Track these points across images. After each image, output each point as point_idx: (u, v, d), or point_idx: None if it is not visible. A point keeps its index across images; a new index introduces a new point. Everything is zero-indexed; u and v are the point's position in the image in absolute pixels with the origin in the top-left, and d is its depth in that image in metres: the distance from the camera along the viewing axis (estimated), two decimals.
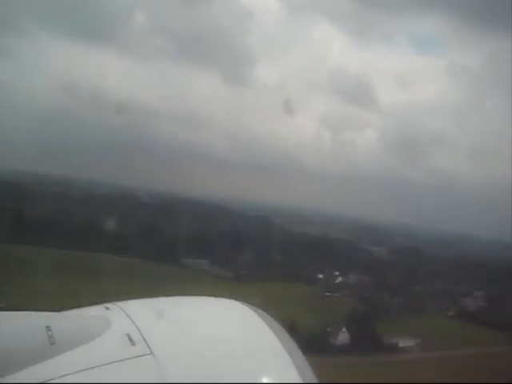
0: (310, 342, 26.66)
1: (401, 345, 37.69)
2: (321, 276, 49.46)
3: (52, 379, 1.59)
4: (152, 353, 1.75)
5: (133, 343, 1.80)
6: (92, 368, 1.67)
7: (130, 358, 1.72)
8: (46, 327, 1.80)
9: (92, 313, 2.20)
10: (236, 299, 2.38)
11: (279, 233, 59.96)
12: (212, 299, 2.50)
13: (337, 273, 50.13)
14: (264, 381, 1.84)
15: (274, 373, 1.86)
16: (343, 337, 37.89)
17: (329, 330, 38.13)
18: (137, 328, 1.90)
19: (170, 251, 45.16)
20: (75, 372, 1.64)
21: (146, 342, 1.80)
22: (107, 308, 2.19)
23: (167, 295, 2.61)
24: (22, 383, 1.59)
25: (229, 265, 47.55)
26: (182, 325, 2.12)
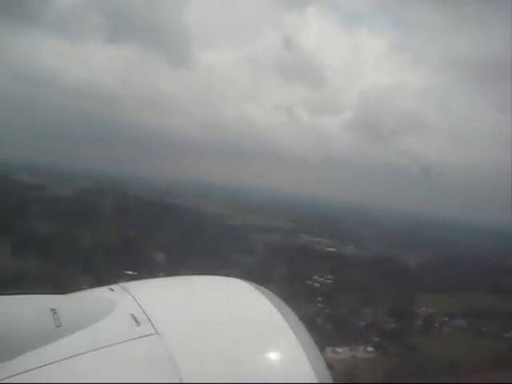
0: None
1: None
2: None
3: (58, 361, 1.60)
4: (157, 332, 1.76)
5: (138, 323, 1.80)
6: (98, 349, 1.67)
7: (136, 339, 1.73)
8: (51, 310, 1.79)
9: (96, 294, 2.18)
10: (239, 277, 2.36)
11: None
12: (215, 278, 2.46)
13: None
14: (269, 357, 1.84)
15: (279, 350, 1.86)
16: None
17: None
18: (141, 308, 1.90)
19: None
20: (81, 353, 1.64)
21: (151, 322, 1.81)
22: (111, 289, 2.17)
23: (170, 275, 2.60)
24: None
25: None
26: (186, 304, 2.11)
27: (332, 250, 63.90)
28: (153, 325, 1.79)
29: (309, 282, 50.74)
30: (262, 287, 2.20)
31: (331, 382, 1.82)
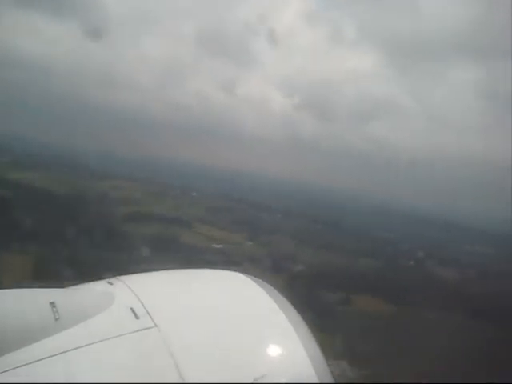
0: None
1: None
2: None
3: (57, 354, 1.62)
4: (156, 325, 1.78)
5: (136, 316, 1.83)
6: (97, 342, 1.68)
7: (135, 332, 1.75)
8: (51, 303, 1.82)
9: (95, 288, 2.17)
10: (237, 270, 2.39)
11: None
12: (213, 271, 2.49)
13: None
14: (267, 351, 1.83)
15: (277, 343, 1.85)
16: None
17: None
18: (140, 301, 1.92)
19: None
20: (80, 346, 1.66)
21: (150, 315, 1.83)
22: (110, 283, 2.17)
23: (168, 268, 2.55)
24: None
25: None
26: (184, 297, 2.13)
27: (219, 246, 53.76)
28: (152, 318, 1.81)
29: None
30: (259, 280, 2.22)
31: (330, 376, 1.79)
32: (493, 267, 57.47)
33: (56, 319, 1.74)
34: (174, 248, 47.18)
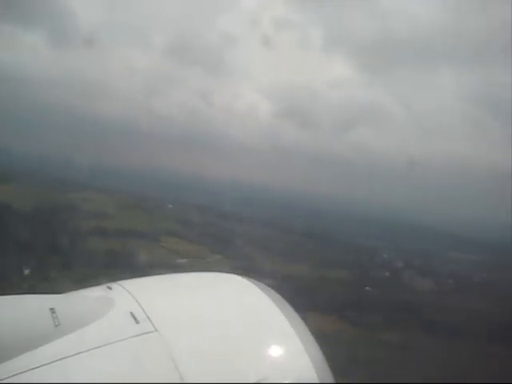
0: None
1: None
2: None
3: (58, 360, 1.61)
4: (156, 330, 1.77)
5: (137, 321, 1.81)
6: (97, 347, 1.67)
7: (135, 336, 1.74)
8: (50, 309, 1.81)
9: (95, 293, 2.16)
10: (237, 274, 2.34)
11: None
12: (213, 274, 2.47)
13: None
14: (269, 354, 1.82)
15: (278, 346, 1.84)
16: None
17: None
18: (140, 306, 1.90)
19: None
20: (80, 352, 1.65)
21: (150, 320, 1.82)
22: (110, 288, 2.15)
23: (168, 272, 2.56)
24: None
25: None
26: (184, 301, 2.12)
27: (183, 261, 51.16)
28: (152, 322, 1.80)
29: None
30: (260, 283, 2.20)
31: (332, 378, 1.78)
32: (476, 277, 54.83)
33: (56, 325, 1.73)
34: (128, 264, 44.67)
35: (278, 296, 2.08)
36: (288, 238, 65.86)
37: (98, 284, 2.32)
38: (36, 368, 1.55)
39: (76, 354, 1.61)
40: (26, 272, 39.92)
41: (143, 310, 1.86)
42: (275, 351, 1.80)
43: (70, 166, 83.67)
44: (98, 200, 69.36)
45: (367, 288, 47.68)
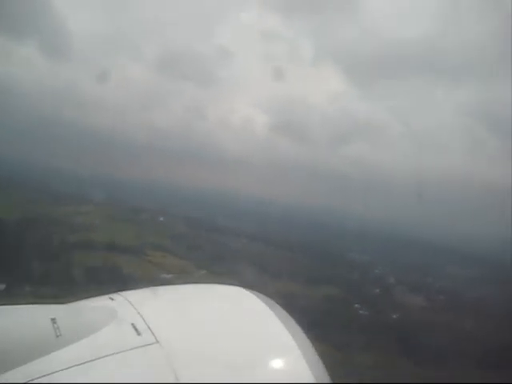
0: None
1: None
2: None
3: (59, 371, 1.60)
4: (157, 341, 1.76)
5: (138, 333, 1.80)
6: (98, 359, 1.66)
7: (136, 348, 1.73)
8: (52, 319, 1.79)
9: (97, 304, 2.14)
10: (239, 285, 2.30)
11: None
12: (215, 286, 2.45)
13: None
14: (270, 367, 1.81)
15: (279, 359, 1.83)
16: None
17: None
18: (141, 317, 1.90)
19: None
20: (81, 363, 1.64)
21: (151, 331, 1.81)
22: (112, 298, 2.13)
23: (170, 284, 2.54)
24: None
25: None
26: (186, 312, 2.10)
27: (168, 276, 49.86)
28: (153, 334, 1.79)
29: None
30: (261, 295, 2.19)
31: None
32: (470, 293, 53.07)
33: (57, 336, 1.72)
34: (110, 279, 43.51)
35: (279, 308, 2.05)
36: (280, 252, 64.57)
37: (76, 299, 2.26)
38: (37, 378, 1.55)
39: (77, 365, 1.61)
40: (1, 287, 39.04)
41: (145, 322, 1.85)
42: (276, 364, 1.78)
43: (61, 177, 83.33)
44: (86, 212, 68.78)
45: (356, 305, 46.06)
